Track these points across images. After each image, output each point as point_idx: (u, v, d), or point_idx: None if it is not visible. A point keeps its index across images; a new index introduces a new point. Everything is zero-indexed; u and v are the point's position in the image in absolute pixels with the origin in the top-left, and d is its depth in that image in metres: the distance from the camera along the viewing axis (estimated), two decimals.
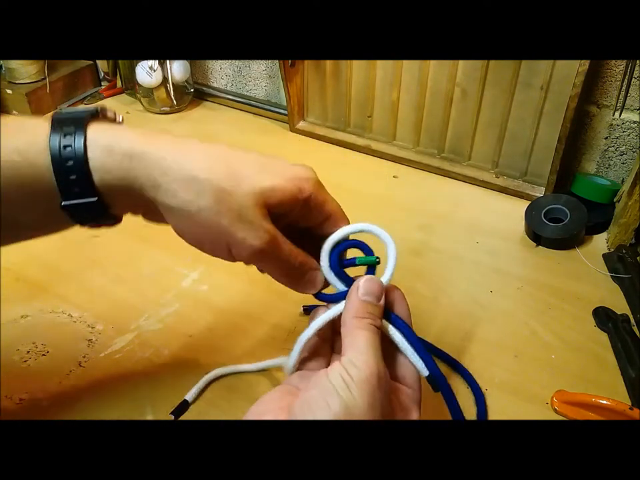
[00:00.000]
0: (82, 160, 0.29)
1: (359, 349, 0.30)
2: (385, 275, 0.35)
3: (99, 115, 0.33)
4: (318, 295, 0.37)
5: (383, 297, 0.34)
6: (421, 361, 0.34)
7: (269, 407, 0.31)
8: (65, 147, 0.29)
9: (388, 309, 0.35)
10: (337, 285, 0.36)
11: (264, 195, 0.31)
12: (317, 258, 0.36)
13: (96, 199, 0.30)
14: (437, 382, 0.34)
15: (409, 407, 0.33)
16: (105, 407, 0.44)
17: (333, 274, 0.36)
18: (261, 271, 0.37)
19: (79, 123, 0.30)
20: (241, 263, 0.34)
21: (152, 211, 0.32)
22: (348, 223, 0.37)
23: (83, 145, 0.29)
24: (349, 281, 0.36)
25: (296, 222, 0.35)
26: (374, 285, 0.34)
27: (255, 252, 0.31)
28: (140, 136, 0.31)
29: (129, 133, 0.31)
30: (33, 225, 0.32)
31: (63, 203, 0.30)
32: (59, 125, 0.30)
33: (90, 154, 0.30)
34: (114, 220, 0.34)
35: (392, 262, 0.36)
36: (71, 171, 0.29)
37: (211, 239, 0.32)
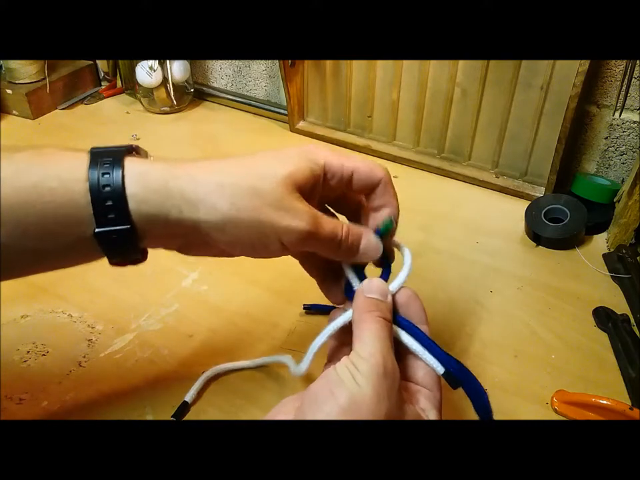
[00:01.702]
0: (119, 185, 0.30)
1: (364, 340, 0.31)
2: (397, 280, 0.36)
3: (132, 152, 0.34)
4: (347, 293, 0.37)
5: (390, 294, 0.35)
6: (434, 359, 0.33)
7: (284, 408, 0.31)
8: (103, 174, 0.30)
9: (394, 312, 0.35)
10: (355, 283, 0.36)
11: (288, 179, 0.32)
12: None
13: (129, 226, 0.31)
14: (454, 378, 0.33)
15: (426, 408, 0.33)
16: (105, 407, 0.44)
17: (352, 271, 0.37)
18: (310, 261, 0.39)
19: (116, 155, 0.31)
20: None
21: (190, 241, 0.33)
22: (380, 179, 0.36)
23: (120, 172, 0.30)
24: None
25: (333, 193, 0.37)
26: (377, 283, 0.35)
27: (303, 235, 0.32)
28: (171, 164, 0.32)
29: (161, 164, 0.32)
30: (58, 254, 0.32)
31: (96, 230, 0.31)
32: (97, 155, 0.31)
33: (127, 180, 0.31)
34: (142, 255, 0.34)
35: (406, 271, 0.36)
36: (108, 197, 0.30)
37: (262, 238, 0.32)
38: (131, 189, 0.30)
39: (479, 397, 0.33)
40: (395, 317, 0.35)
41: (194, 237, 0.33)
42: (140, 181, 0.31)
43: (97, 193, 0.30)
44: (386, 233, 0.36)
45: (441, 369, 0.33)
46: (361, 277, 0.37)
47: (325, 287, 0.39)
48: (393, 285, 0.36)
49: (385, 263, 0.38)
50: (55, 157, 0.31)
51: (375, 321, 0.32)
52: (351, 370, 0.29)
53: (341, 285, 0.38)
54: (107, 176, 0.30)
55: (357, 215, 0.39)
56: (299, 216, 0.32)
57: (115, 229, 0.30)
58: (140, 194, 0.31)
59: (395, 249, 0.39)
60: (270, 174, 0.32)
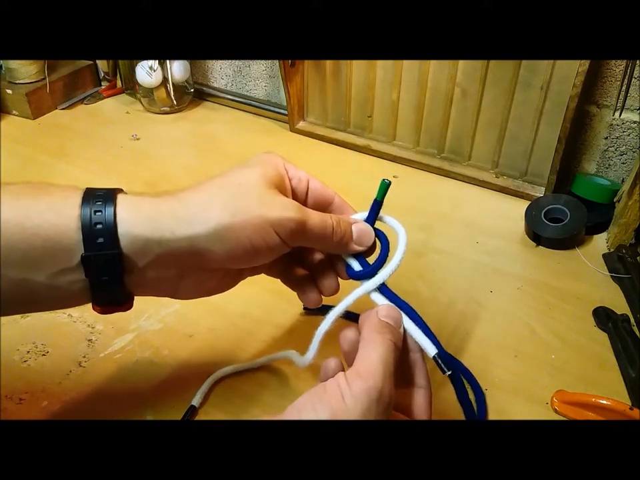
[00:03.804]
0: (111, 214, 0.31)
1: (369, 360, 0.30)
2: (396, 255, 0.36)
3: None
4: (349, 272, 0.38)
5: (402, 326, 0.35)
6: (427, 341, 0.34)
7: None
8: (95, 201, 0.31)
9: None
10: (353, 264, 0.38)
11: (263, 178, 0.34)
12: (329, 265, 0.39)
13: (117, 251, 0.31)
14: (445, 361, 0.33)
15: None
16: (105, 407, 0.44)
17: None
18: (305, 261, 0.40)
19: (109, 190, 0.33)
20: None
21: (184, 269, 0.34)
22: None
23: (112, 201, 0.32)
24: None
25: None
26: (394, 311, 0.35)
27: (295, 223, 0.33)
28: (159, 195, 0.34)
29: (150, 195, 0.34)
30: (44, 291, 0.32)
31: (83, 254, 0.31)
32: (90, 191, 0.33)
33: (119, 207, 0.32)
34: (128, 298, 0.35)
35: (402, 249, 0.37)
36: (98, 222, 0.31)
37: (260, 232, 0.33)
38: (122, 214, 0.31)
39: (465, 384, 0.34)
40: (392, 296, 0.35)
41: (189, 261, 0.33)
42: (132, 208, 0.32)
43: (87, 218, 0.31)
44: (384, 193, 0.37)
45: (433, 350, 0.33)
46: (362, 262, 0.37)
47: (301, 293, 0.40)
48: (394, 260, 0.36)
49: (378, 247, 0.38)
50: (47, 188, 0.32)
51: (383, 341, 0.31)
52: (342, 388, 0.28)
53: (315, 288, 0.40)
54: (99, 203, 0.31)
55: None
56: (286, 207, 0.34)
57: (103, 253, 0.31)
58: (132, 218, 0.32)
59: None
60: (247, 178, 0.34)
